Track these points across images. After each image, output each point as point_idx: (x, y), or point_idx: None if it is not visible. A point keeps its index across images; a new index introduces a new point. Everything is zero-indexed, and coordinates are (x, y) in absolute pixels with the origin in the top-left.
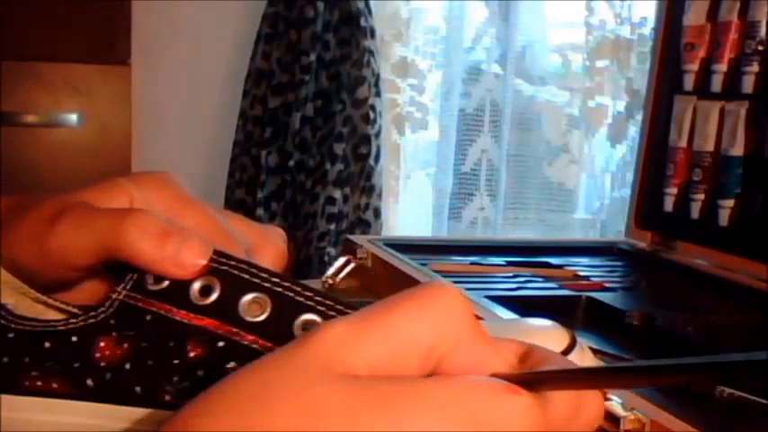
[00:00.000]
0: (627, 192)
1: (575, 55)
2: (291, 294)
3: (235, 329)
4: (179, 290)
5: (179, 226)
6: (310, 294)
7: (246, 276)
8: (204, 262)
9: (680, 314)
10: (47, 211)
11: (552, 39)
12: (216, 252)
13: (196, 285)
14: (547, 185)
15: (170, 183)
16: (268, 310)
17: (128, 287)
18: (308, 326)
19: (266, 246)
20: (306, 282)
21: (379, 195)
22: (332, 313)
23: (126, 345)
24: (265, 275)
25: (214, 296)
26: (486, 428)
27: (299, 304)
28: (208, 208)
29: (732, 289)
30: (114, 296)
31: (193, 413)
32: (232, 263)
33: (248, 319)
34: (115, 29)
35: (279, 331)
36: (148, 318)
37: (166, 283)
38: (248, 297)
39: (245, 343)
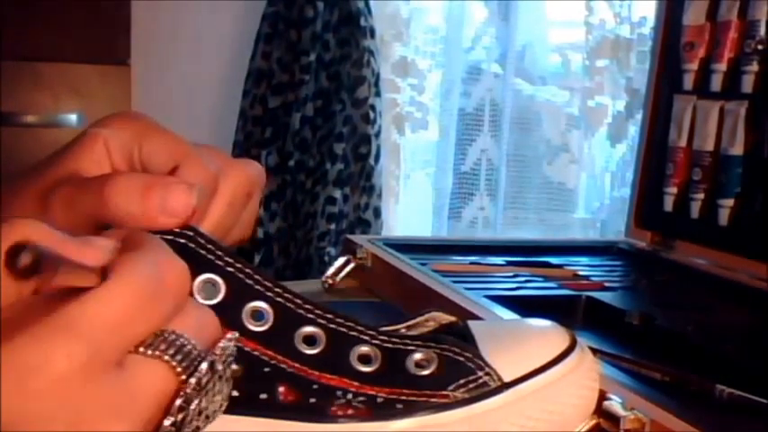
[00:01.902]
0: (627, 191)
1: (574, 54)
2: (293, 306)
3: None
4: None
5: (160, 176)
6: (310, 307)
7: (251, 282)
8: (194, 203)
9: (680, 314)
10: (34, 196)
11: (552, 38)
12: (225, 252)
13: (199, 279)
14: (547, 185)
15: (138, 116)
16: (270, 320)
17: None
18: (308, 339)
19: (231, 170)
20: (306, 281)
21: (379, 195)
22: (332, 326)
23: None
24: (269, 284)
25: (219, 298)
26: None
27: (300, 317)
28: (177, 135)
29: (732, 288)
30: None
31: None
32: (238, 266)
33: (250, 327)
34: (115, 29)
35: (280, 342)
36: None
37: None
38: (251, 305)
39: (248, 349)
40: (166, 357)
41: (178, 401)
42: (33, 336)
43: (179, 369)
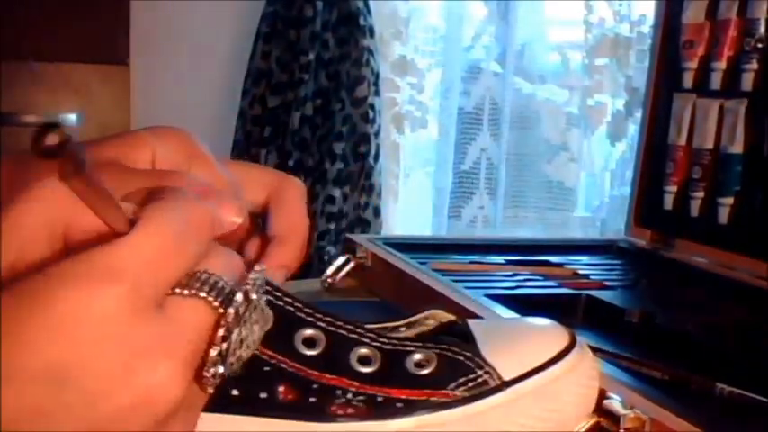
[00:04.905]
0: (626, 190)
1: (574, 53)
2: (293, 309)
3: None
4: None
5: (214, 189)
6: (310, 311)
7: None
8: (239, 221)
9: (680, 312)
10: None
11: (551, 37)
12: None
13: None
14: (546, 184)
15: (190, 138)
16: (270, 323)
17: None
18: (308, 341)
19: (249, 186)
20: (305, 281)
21: (379, 194)
22: (332, 329)
23: None
24: (268, 288)
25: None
26: None
27: (300, 320)
28: (220, 165)
29: (732, 287)
30: None
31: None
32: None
33: None
34: (114, 29)
35: (280, 343)
36: None
37: None
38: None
39: None
40: (203, 294)
41: (220, 332)
42: (75, 284)
43: (216, 303)
